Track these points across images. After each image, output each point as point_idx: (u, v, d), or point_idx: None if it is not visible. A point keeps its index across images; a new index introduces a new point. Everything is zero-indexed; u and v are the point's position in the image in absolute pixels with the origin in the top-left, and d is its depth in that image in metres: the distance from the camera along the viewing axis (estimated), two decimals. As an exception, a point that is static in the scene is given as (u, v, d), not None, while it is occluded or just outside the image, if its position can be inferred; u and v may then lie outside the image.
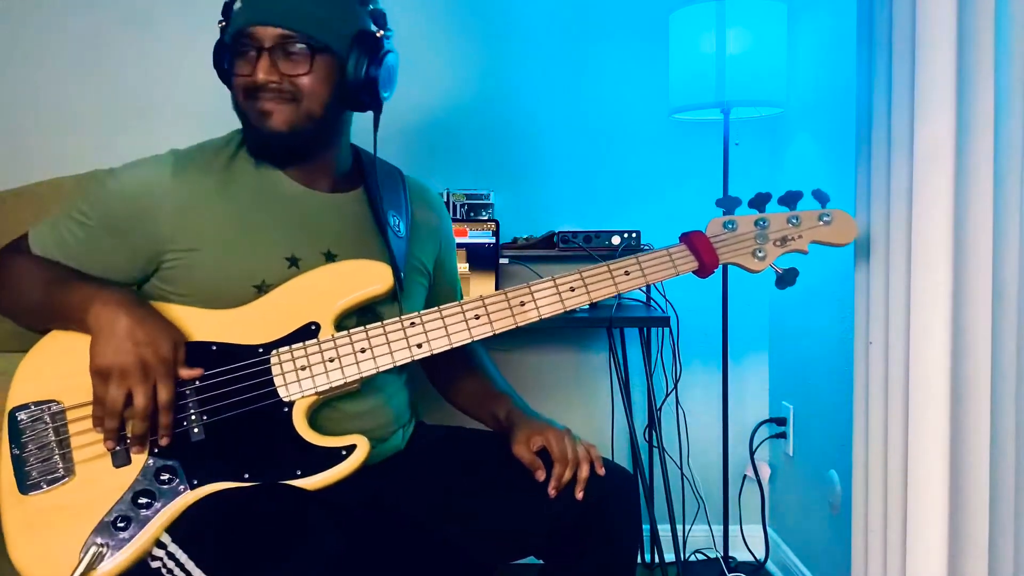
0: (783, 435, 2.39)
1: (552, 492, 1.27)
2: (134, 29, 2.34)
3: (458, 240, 2.16)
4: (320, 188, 1.34)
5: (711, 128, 2.35)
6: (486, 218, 2.26)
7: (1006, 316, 1.28)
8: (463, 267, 2.18)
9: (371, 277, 1.28)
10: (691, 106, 2.17)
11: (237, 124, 1.35)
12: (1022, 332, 1.28)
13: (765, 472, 2.47)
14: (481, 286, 2.17)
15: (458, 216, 2.26)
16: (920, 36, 1.25)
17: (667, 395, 2.38)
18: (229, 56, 1.26)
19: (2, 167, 2.27)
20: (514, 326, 1.29)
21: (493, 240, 2.20)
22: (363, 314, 1.29)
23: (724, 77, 2.06)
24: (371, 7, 1.30)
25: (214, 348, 1.21)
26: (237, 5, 1.25)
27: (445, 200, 2.25)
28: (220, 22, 1.29)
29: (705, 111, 2.22)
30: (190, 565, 1.08)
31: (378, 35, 1.29)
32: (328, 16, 1.25)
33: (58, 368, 1.18)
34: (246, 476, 1.17)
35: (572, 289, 1.31)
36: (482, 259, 2.20)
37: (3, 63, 2.33)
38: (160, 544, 1.13)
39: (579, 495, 1.27)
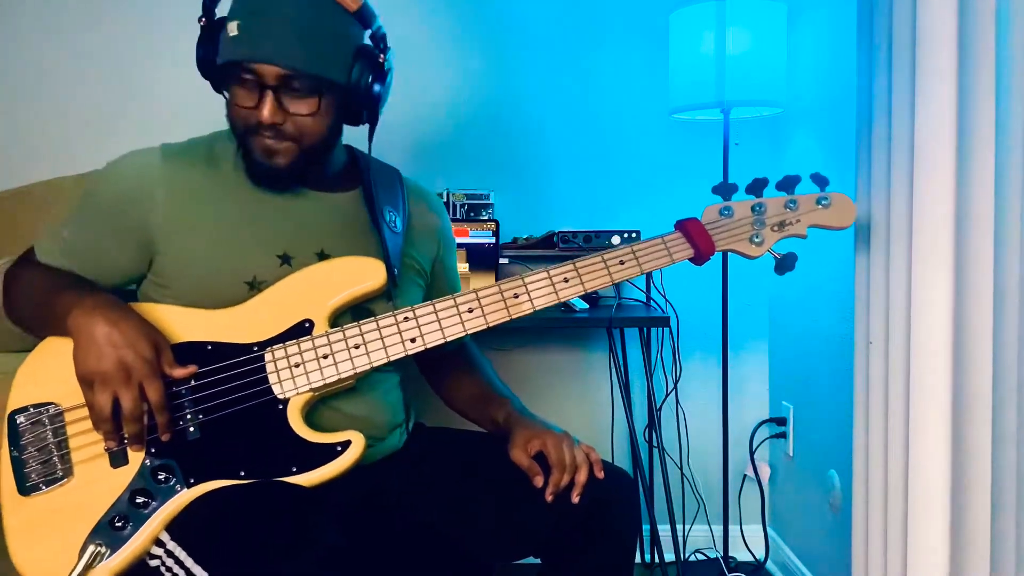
0: (783, 435, 2.39)
1: (548, 498, 1.27)
2: (136, 28, 2.35)
3: (458, 240, 2.17)
4: (313, 188, 1.34)
5: (711, 128, 2.35)
6: (486, 218, 2.26)
7: (1007, 315, 1.27)
8: (463, 267, 2.18)
9: (365, 273, 1.28)
10: (691, 106, 2.17)
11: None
12: (1023, 331, 1.28)
13: (765, 472, 2.47)
14: (481, 286, 2.17)
15: (458, 216, 2.26)
16: (920, 34, 1.25)
17: (667, 395, 2.38)
18: (222, 77, 1.25)
19: (2, 167, 2.28)
20: (508, 319, 1.28)
21: (493, 240, 2.20)
22: (357, 313, 1.29)
23: (724, 77, 2.06)
24: (372, 28, 1.28)
25: (208, 347, 1.22)
26: (231, 31, 1.20)
27: (445, 200, 2.26)
28: (200, 19, 1.26)
29: (705, 111, 2.22)
30: (189, 563, 1.08)
31: (380, 60, 1.27)
32: (331, 50, 1.23)
33: (55, 372, 1.18)
34: (242, 474, 1.17)
35: (566, 280, 1.30)
36: (482, 259, 2.20)
37: (4, 63, 2.33)
38: (159, 543, 1.13)
39: (575, 499, 1.27)
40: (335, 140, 1.34)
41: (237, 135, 1.27)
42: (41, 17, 2.33)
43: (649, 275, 2.36)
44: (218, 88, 1.29)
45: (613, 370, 2.39)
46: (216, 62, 1.23)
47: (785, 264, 1.37)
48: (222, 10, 1.28)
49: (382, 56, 1.28)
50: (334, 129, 1.30)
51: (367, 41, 1.28)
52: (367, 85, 1.26)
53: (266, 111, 1.20)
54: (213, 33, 1.25)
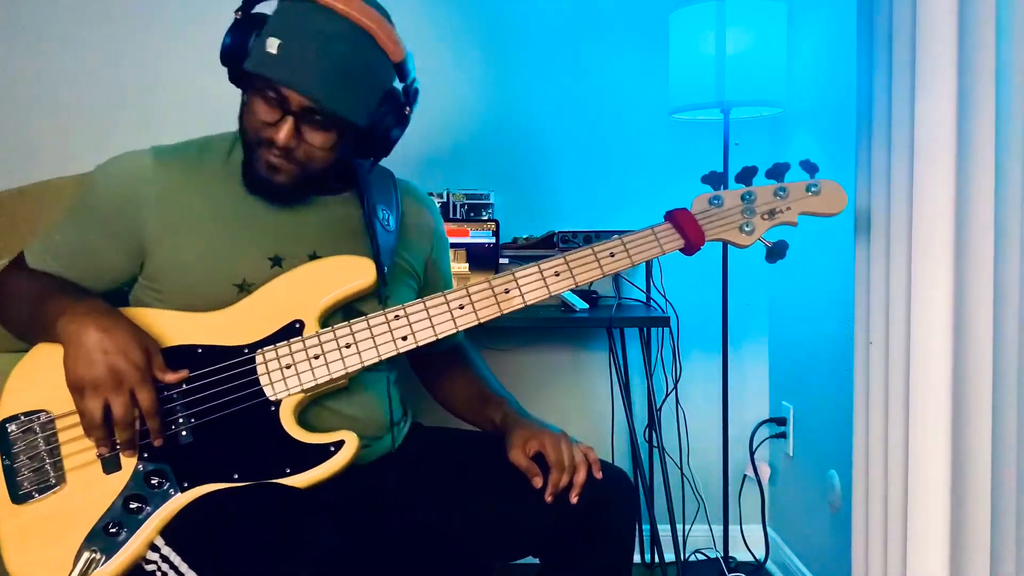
0: (783, 435, 2.38)
1: (548, 498, 1.27)
2: (136, 28, 2.35)
3: (459, 240, 2.17)
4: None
5: (711, 128, 2.35)
6: (486, 218, 2.25)
7: (1007, 316, 1.27)
8: (464, 267, 2.18)
9: (354, 272, 1.27)
10: (691, 106, 2.17)
11: (235, 126, 1.35)
12: (1023, 331, 1.27)
13: (765, 472, 2.47)
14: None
15: (458, 216, 2.26)
16: (921, 35, 1.25)
17: (667, 395, 2.37)
18: (245, 80, 1.23)
19: (3, 167, 2.28)
20: (499, 314, 1.28)
21: (493, 240, 2.20)
22: (349, 313, 1.28)
23: (724, 77, 2.06)
24: (407, 81, 1.28)
25: (199, 350, 1.21)
26: (270, 47, 1.16)
27: (445, 200, 2.25)
28: (237, 12, 1.23)
29: (705, 111, 2.22)
30: (184, 567, 1.08)
31: (406, 112, 1.28)
32: (364, 94, 1.22)
33: (46, 379, 1.18)
34: (236, 476, 1.17)
35: (557, 274, 1.30)
36: (482, 259, 2.20)
37: (4, 63, 2.33)
38: (154, 548, 1.13)
39: (574, 500, 1.27)
40: (338, 166, 1.32)
41: (246, 142, 1.26)
42: (41, 17, 2.33)
43: (649, 275, 2.36)
44: (234, 81, 1.27)
45: (613, 370, 2.39)
46: (243, 64, 1.20)
47: (776, 252, 1.36)
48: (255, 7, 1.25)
49: (408, 108, 1.28)
50: (340, 159, 1.29)
51: (398, 87, 1.28)
52: (386, 131, 1.27)
53: (283, 135, 1.20)
54: (247, 29, 1.21)
